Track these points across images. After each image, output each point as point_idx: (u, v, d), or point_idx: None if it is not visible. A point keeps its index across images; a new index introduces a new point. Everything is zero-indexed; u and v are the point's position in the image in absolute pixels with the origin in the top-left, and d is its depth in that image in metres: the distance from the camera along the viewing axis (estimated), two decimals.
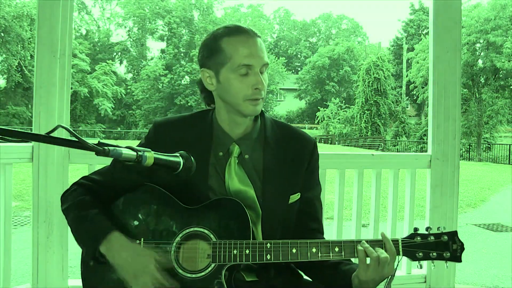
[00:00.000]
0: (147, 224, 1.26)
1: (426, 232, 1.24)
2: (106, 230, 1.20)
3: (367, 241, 1.21)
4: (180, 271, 1.21)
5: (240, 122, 1.32)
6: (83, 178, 1.36)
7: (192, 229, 1.23)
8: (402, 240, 1.23)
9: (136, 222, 1.27)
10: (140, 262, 1.17)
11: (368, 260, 1.19)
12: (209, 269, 1.20)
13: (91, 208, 1.26)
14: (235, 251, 1.19)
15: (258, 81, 1.24)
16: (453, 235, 1.24)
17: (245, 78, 1.25)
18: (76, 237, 1.27)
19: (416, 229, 1.25)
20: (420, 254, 1.22)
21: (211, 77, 1.30)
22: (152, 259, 1.18)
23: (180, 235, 1.23)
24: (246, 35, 1.26)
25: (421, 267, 1.27)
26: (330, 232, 1.36)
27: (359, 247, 1.20)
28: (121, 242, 1.19)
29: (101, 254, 1.20)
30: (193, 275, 1.20)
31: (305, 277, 1.43)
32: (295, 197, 1.33)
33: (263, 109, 1.34)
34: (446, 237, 1.23)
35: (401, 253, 1.22)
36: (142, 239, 1.23)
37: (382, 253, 1.18)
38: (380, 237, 1.23)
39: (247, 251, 1.19)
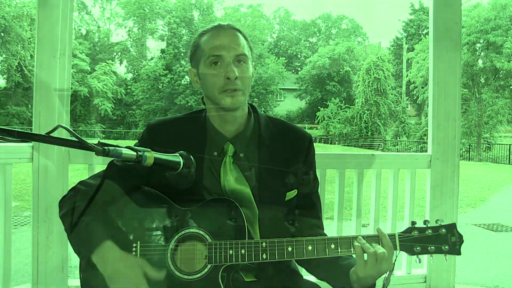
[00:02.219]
0: (143, 227, 1.25)
1: (424, 226, 1.22)
2: (97, 240, 1.17)
3: (363, 237, 1.20)
4: (177, 273, 1.20)
5: (229, 119, 1.30)
6: (80, 183, 1.34)
7: (188, 231, 1.22)
8: (399, 235, 1.22)
9: (132, 226, 1.25)
10: (130, 275, 1.14)
11: (365, 256, 1.17)
12: (206, 270, 1.19)
13: (84, 216, 1.23)
14: (230, 251, 1.19)
15: (228, 70, 1.24)
16: (452, 227, 1.22)
17: (217, 69, 1.25)
18: (71, 245, 1.25)
19: (413, 223, 1.23)
20: (417, 248, 1.20)
21: (195, 75, 1.32)
22: (141, 273, 1.14)
23: (177, 237, 1.22)
24: (219, 29, 1.29)
25: (419, 262, 1.25)
26: (330, 232, 1.35)
27: (356, 243, 1.19)
28: (112, 253, 1.16)
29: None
30: (190, 277, 1.20)
31: (305, 276, 1.42)
32: (291, 194, 1.32)
33: (262, 108, 1.33)
34: (444, 230, 1.21)
35: (398, 247, 1.21)
36: (138, 243, 1.22)
37: (380, 249, 1.16)
38: (376, 233, 1.22)
39: (243, 251, 1.19)
